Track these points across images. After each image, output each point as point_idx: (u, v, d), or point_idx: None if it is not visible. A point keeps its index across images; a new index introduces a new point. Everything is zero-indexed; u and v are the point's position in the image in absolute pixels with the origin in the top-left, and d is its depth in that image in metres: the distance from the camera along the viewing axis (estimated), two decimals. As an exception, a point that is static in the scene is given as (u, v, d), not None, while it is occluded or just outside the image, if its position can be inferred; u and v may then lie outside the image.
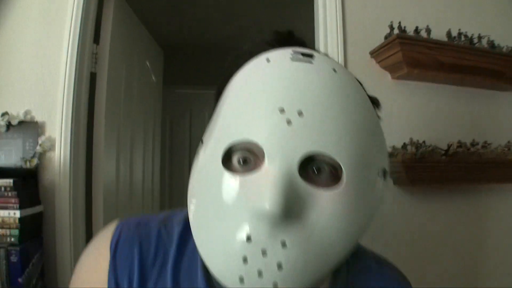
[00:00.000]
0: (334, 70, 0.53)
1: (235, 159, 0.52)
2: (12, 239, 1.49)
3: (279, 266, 0.46)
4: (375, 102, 0.62)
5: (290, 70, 0.51)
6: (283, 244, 0.46)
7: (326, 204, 0.48)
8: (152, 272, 0.63)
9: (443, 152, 1.66)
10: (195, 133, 3.99)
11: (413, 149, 1.63)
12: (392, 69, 1.72)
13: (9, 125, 1.65)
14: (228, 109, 0.54)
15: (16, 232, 1.49)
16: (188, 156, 4.01)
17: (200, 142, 0.58)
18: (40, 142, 1.64)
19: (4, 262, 1.47)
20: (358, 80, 0.58)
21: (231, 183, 0.49)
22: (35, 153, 1.64)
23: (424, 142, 1.67)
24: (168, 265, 0.63)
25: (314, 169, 0.49)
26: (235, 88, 0.55)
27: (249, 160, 0.51)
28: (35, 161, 1.64)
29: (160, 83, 2.54)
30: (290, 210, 0.45)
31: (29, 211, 1.54)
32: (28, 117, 1.66)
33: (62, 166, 1.63)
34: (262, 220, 0.46)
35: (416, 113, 1.76)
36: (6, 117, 1.64)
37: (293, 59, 0.52)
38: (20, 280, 1.47)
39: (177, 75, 3.76)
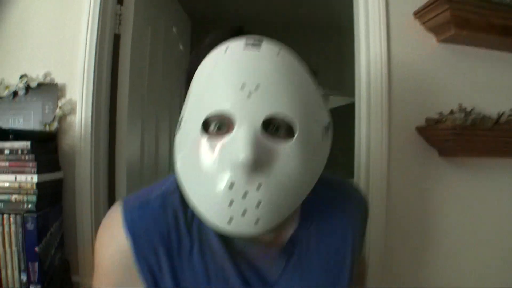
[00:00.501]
0: (278, 54, 0.67)
1: (211, 127, 0.65)
2: (29, 206, 1.38)
3: (258, 205, 0.61)
4: (315, 73, 0.75)
5: (243, 57, 0.66)
6: (259, 186, 0.61)
7: (286, 153, 0.63)
8: (171, 247, 0.73)
9: (493, 120, 1.50)
10: None
11: (462, 116, 1.47)
12: (437, 30, 1.56)
13: (27, 88, 1.55)
14: (200, 89, 0.69)
15: (33, 198, 1.38)
16: None
17: (180, 117, 0.72)
18: (60, 105, 1.53)
19: (20, 230, 1.36)
20: (299, 59, 0.71)
21: (211, 145, 0.63)
22: (54, 116, 1.53)
23: (473, 109, 1.52)
24: (184, 239, 0.74)
25: (273, 127, 0.64)
26: (203, 73, 0.70)
27: (222, 126, 0.65)
28: (54, 124, 1.53)
29: (187, 53, 2.41)
30: (260, 159, 0.60)
31: (48, 176, 1.43)
32: (48, 79, 1.55)
33: (83, 130, 1.52)
34: (241, 169, 0.59)
35: (463, 78, 1.60)
36: (25, 79, 1.54)
37: (245, 48, 0.67)
38: (36, 249, 1.36)
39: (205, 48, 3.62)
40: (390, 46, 1.55)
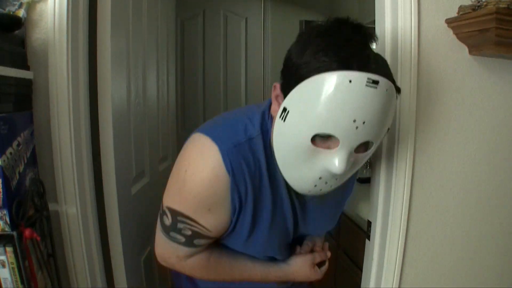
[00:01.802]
0: (387, 90, 0.83)
1: (317, 140, 0.87)
2: (-13, 109, 1.07)
3: (330, 187, 0.97)
4: (398, 91, 0.90)
5: (364, 94, 0.80)
6: (337, 180, 0.95)
7: (360, 159, 0.93)
8: (255, 183, 0.98)
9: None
10: (209, 37, 3.60)
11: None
12: (473, 45, 1.35)
13: (-15, -32, 1.22)
14: (317, 105, 0.82)
15: (-9, 97, 1.06)
16: (202, 63, 3.60)
17: (283, 109, 0.89)
18: (26, -12, 1.21)
19: (-22, 137, 1.05)
20: (397, 86, 0.88)
21: (315, 150, 0.87)
22: (21, 3, 1.21)
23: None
24: (264, 178, 0.99)
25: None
26: (325, 92, 0.82)
27: (326, 139, 0.87)
28: (21, 12, 1.20)
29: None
30: (345, 170, 0.88)
31: (11, 72, 1.12)
32: (10, -43, 1.23)
33: (57, 21, 1.20)
34: (333, 174, 0.90)
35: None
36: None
37: (366, 84, 0.80)
38: (-1, 160, 1.05)
39: None
40: None
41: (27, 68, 1.21)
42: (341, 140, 0.83)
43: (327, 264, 1.26)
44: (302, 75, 0.84)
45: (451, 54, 1.37)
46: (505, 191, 1.45)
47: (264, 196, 1.01)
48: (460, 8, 1.33)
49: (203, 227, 1.00)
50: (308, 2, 3.65)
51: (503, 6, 1.22)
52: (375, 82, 0.80)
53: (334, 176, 0.91)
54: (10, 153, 1.09)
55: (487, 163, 1.43)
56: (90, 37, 1.30)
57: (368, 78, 0.80)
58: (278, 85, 0.94)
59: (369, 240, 1.48)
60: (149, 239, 1.70)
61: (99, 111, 1.32)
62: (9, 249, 1.10)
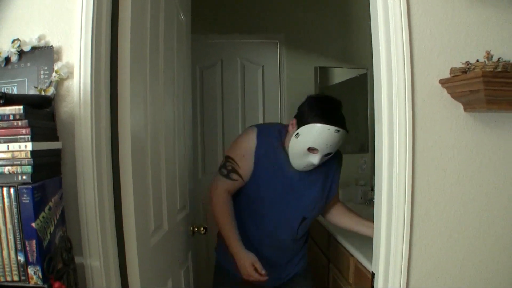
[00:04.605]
0: (340, 132, 1.72)
1: (309, 148, 1.77)
2: (24, 178, 1.16)
3: (313, 165, 1.86)
4: (347, 131, 1.78)
5: (332, 135, 1.71)
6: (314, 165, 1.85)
7: (326, 159, 1.83)
8: (269, 155, 1.89)
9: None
10: (227, 84, 3.72)
11: (491, 63, 1.28)
12: (466, 103, 1.41)
13: (21, 53, 1.34)
14: (313, 134, 1.73)
15: (28, 169, 1.15)
16: (221, 108, 3.72)
17: (297, 133, 1.78)
18: (56, 68, 1.32)
19: (14, 204, 1.14)
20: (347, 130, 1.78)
21: (309, 152, 1.78)
22: (50, 81, 1.32)
23: (500, 58, 1.33)
24: (274, 156, 1.90)
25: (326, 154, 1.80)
26: (317, 130, 1.72)
27: (315, 150, 1.76)
28: (50, 90, 1.31)
29: (189, 23, 2.20)
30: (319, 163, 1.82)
31: (44, 145, 1.22)
32: (42, 42, 1.34)
33: (82, 96, 1.30)
34: (312, 163, 1.81)
35: (488, 28, 1.41)
36: (17, 44, 1.32)
37: (335, 132, 1.71)
38: (33, 225, 1.13)
39: (207, 23, 3.55)
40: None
41: (56, 138, 1.31)
42: (320, 151, 1.74)
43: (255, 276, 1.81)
44: (307, 121, 1.73)
45: (446, 112, 1.40)
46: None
47: (272, 164, 1.88)
48: (451, 70, 1.37)
49: (238, 165, 1.87)
50: (323, 50, 3.70)
51: (489, 69, 1.26)
52: (338, 131, 1.71)
53: (313, 164, 1.79)
54: (43, 217, 1.18)
55: (486, 211, 1.44)
56: (112, 109, 1.40)
57: (336, 129, 1.70)
58: (294, 120, 1.83)
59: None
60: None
61: (120, 174, 1.40)
62: (41, 300, 1.18)
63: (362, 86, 3.50)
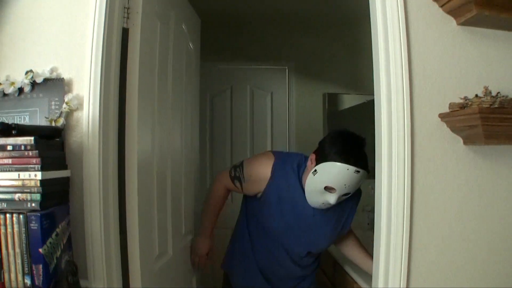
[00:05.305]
0: (360, 172, 1.62)
1: (326, 187, 1.66)
2: (33, 205, 1.21)
3: (328, 205, 1.76)
4: (369, 172, 1.65)
5: (351, 175, 1.61)
6: (330, 205, 1.73)
7: (343, 198, 1.73)
8: (283, 184, 1.83)
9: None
10: (236, 110, 3.78)
11: (489, 99, 1.30)
12: (457, 12, 1.39)
13: (33, 84, 1.40)
14: (332, 173, 1.63)
15: (37, 196, 1.21)
16: (229, 131, 3.76)
17: (315, 170, 1.68)
18: (66, 100, 1.37)
19: (23, 230, 1.19)
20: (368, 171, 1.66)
21: (326, 191, 1.67)
22: (61, 112, 1.37)
23: (498, 93, 1.34)
24: (286, 189, 1.83)
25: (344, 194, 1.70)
26: (336, 169, 1.62)
27: (332, 189, 1.66)
28: (61, 121, 1.36)
29: (197, 52, 2.25)
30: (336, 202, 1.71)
31: (53, 174, 1.27)
32: (54, 74, 1.40)
33: (91, 127, 1.35)
34: (328, 203, 1.70)
35: (486, 63, 1.43)
36: (31, 75, 1.39)
37: (354, 172, 1.61)
38: (41, 250, 1.18)
39: (217, 51, 3.60)
40: (409, 34, 1.39)
41: (65, 167, 1.35)
42: (337, 190, 1.64)
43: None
44: (327, 158, 1.64)
45: (446, 145, 1.41)
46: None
47: (283, 199, 1.82)
48: (450, 105, 1.38)
49: (244, 180, 1.86)
50: (331, 76, 3.72)
51: (486, 105, 1.27)
52: (357, 171, 1.60)
53: (330, 204, 1.68)
54: (50, 242, 1.22)
55: (487, 245, 1.42)
56: (119, 138, 1.44)
57: (356, 169, 1.60)
58: (314, 156, 1.73)
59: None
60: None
61: (126, 201, 1.44)
62: (46, 321, 1.21)
63: (370, 112, 3.49)
